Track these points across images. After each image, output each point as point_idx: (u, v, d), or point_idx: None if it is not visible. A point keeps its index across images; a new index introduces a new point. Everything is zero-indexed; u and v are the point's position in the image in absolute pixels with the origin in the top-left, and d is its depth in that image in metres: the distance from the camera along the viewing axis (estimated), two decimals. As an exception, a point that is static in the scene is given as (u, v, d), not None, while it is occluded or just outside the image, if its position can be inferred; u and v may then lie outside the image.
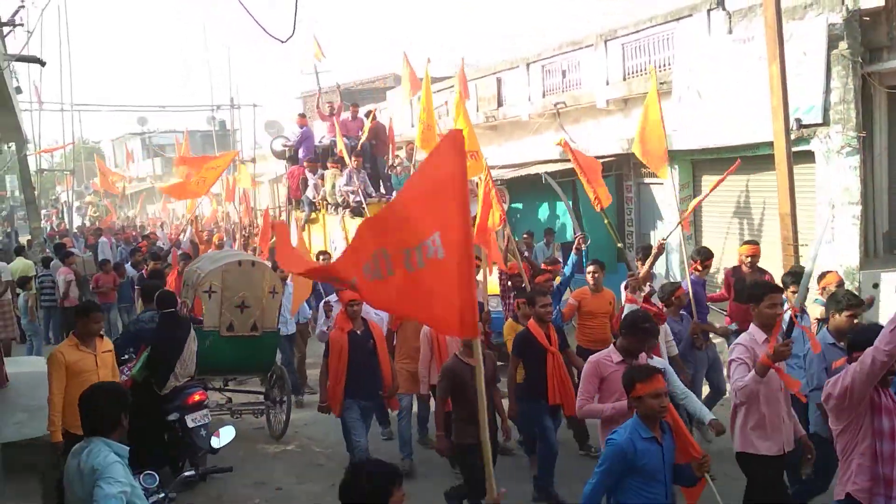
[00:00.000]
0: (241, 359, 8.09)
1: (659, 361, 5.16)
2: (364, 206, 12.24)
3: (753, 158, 10.49)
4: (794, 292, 6.00)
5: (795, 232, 8.61)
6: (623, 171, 13.31)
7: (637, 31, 12.68)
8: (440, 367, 6.43)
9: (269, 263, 9.08)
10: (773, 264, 8.62)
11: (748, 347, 4.58)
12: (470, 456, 5.53)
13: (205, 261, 8.91)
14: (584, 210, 12.94)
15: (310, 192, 14.20)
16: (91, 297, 15.71)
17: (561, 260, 12.10)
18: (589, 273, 7.75)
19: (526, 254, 9.01)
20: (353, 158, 12.73)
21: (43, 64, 12.64)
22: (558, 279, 8.34)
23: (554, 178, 13.55)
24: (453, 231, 3.08)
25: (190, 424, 6.62)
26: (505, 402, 6.28)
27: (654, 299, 7.10)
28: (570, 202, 13.36)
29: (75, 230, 27.95)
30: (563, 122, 14.37)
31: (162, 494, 3.97)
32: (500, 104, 16.32)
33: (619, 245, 8.20)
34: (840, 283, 6.48)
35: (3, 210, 43.51)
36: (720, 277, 10.93)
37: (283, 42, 5.63)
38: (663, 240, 8.37)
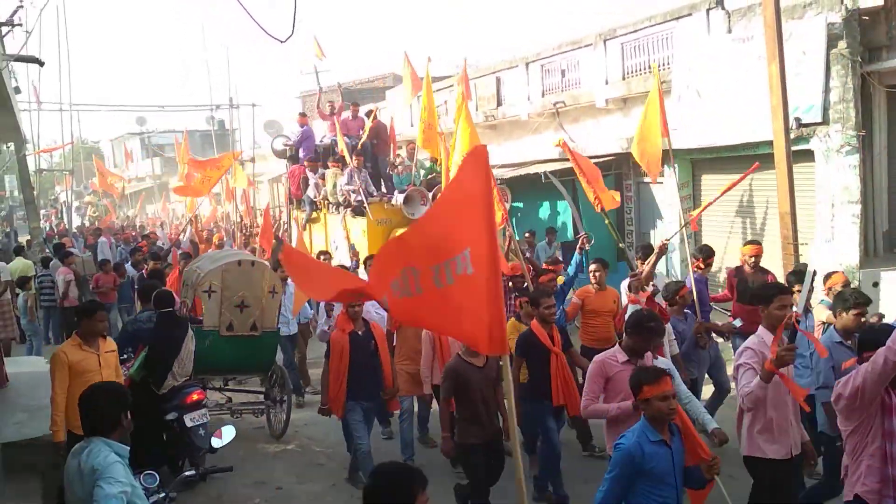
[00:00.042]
0: (241, 358, 8.08)
1: (663, 362, 5.14)
2: (365, 205, 12.22)
3: (753, 158, 10.50)
4: (798, 291, 6.00)
5: (795, 231, 8.62)
6: (623, 170, 13.32)
7: (636, 31, 12.69)
8: (442, 368, 6.42)
9: (267, 263, 9.09)
10: (774, 263, 8.63)
11: (756, 351, 4.52)
12: (473, 456, 5.52)
13: (204, 260, 8.90)
14: (584, 209, 12.94)
15: (311, 192, 14.17)
16: (91, 297, 15.75)
17: (561, 259, 12.12)
18: (592, 271, 7.75)
19: (528, 254, 8.99)
20: (353, 157, 12.71)
21: (41, 64, 12.63)
22: (561, 279, 8.32)
23: (553, 177, 13.55)
24: (481, 246, 3.07)
25: (188, 424, 6.63)
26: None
27: (658, 299, 7.08)
28: (568, 201, 13.35)
29: (74, 230, 27.93)
30: (562, 122, 14.38)
31: (162, 494, 3.97)
32: (499, 103, 16.33)
33: (621, 244, 8.19)
34: (846, 284, 6.46)
35: (2, 210, 43.49)
36: (721, 276, 10.95)
37: (282, 42, 5.63)
38: (666, 240, 8.36)
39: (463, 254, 3.09)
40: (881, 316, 6.78)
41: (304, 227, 14.58)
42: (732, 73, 10.31)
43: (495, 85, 16.35)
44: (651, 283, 7.49)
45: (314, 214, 14.39)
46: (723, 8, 10.90)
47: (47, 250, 17.23)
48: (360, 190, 12.33)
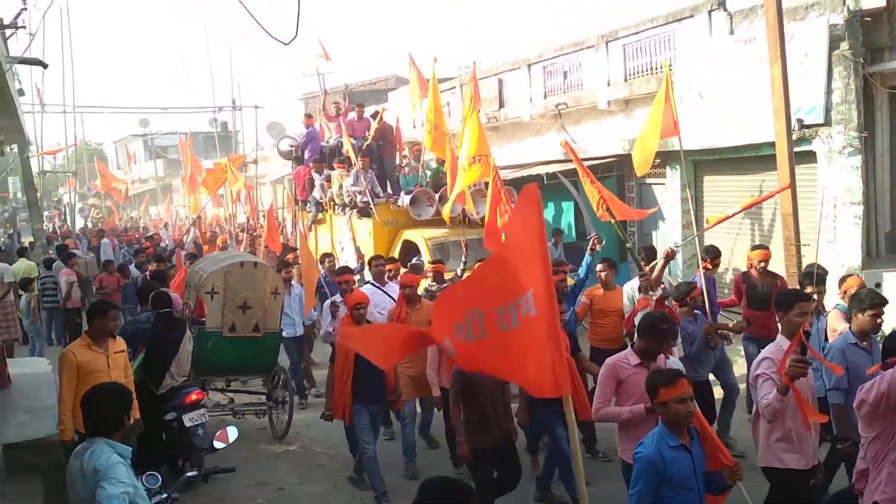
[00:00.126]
0: (244, 360, 8.09)
1: (674, 361, 5.10)
2: (371, 206, 12.19)
3: (755, 159, 10.49)
4: (812, 292, 5.93)
5: (797, 232, 8.60)
6: (624, 171, 13.32)
7: (638, 32, 12.69)
8: (449, 371, 6.37)
9: (267, 264, 9.10)
10: (776, 264, 8.61)
11: (774, 360, 4.45)
12: (482, 461, 5.45)
13: (207, 262, 8.92)
14: (590, 211, 12.92)
15: (316, 193, 14.15)
16: (94, 298, 15.76)
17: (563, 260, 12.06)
18: (599, 271, 7.74)
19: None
20: (359, 158, 12.68)
21: (45, 66, 12.66)
22: (571, 280, 8.25)
23: (554, 178, 13.54)
24: (541, 287, 3.06)
25: (187, 424, 6.65)
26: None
27: (666, 303, 7.03)
28: (578, 201, 13.31)
29: (77, 231, 27.98)
30: (564, 123, 14.38)
31: (164, 495, 3.98)
32: (501, 105, 16.34)
33: (628, 245, 8.16)
34: (861, 286, 6.31)
35: (5, 212, 43.59)
36: (727, 277, 10.94)
37: (285, 44, 5.62)
38: (675, 247, 8.35)
39: (526, 295, 3.07)
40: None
41: (309, 229, 14.55)
42: (734, 75, 10.31)
43: (497, 86, 16.36)
44: (661, 286, 7.44)
45: (319, 216, 14.37)
46: (725, 9, 10.90)
47: (50, 252, 17.26)
48: (367, 191, 12.29)
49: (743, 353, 8.00)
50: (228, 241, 17.57)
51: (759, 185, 10.79)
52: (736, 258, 10.88)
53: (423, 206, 12.11)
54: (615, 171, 13.28)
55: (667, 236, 12.61)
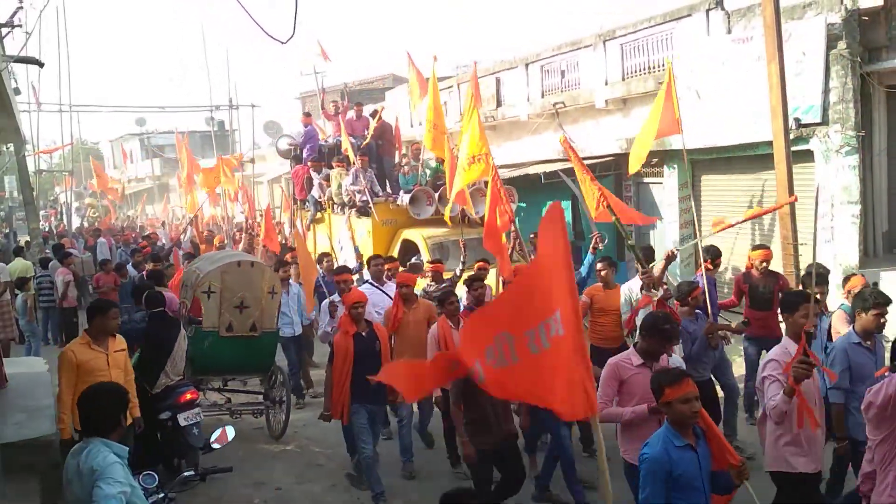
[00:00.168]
0: (241, 359, 8.08)
1: (677, 360, 5.08)
2: (371, 205, 12.16)
3: (753, 158, 10.50)
4: (816, 293, 5.91)
5: (795, 231, 8.61)
6: (622, 170, 13.32)
7: (636, 31, 12.70)
8: None
9: (264, 263, 9.08)
10: (774, 264, 8.62)
11: (781, 362, 4.43)
12: (482, 462, 5.41)
13: (204, 261, 8.90)
14: (584, 210, 12.93)
15: (315, 192, 14.12)
16: (91, 298, 15.72)
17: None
18: (598, 270, 7.74)
19: (532, 256, 8.89)
20: (358, 157, 12.65)
21: (41, 65, 12.63)
22: None
23: (552, 177, 13.54)
24: (568, 305, 3.01)
25: (182, 423, 6.64)
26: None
27: (668, 303, 7.01)
28: (580, 199, 13.28)
29: (74, 231, 27.94)
30: (562, 122, 14.38)
31: (161, 494, 3.97)
32: (499, 104, 16.34)
33: (630, 242, 8.15)
34: (865, 286, 6.29)
35: (1, 211, 43.49)
36: (726, 275, 10.94)
37: (283, 43, 5.60)
38: (676, 250, 8.34)
39: (555, 315, 3.02)
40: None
41: (307, 228, 14.51)
42: (732, 74, 10.32)
43: (495, 86, 16.36)
44: (663, 286, 7.42)
45: (318, 215, 14.34)
46: (722, 8, 10.91)
47: (47, 251, 17.24)
48: (366, 190, 12.26)
49: (742, 353, 7.99)
50: (225, 241, 17.55)
51: (757, 184, 10.81)
52: (735, 258, 10.89)
53: (423, 205, 12.09)
54: (613, 171, 13.29)
55: (664, 235, 12.62)
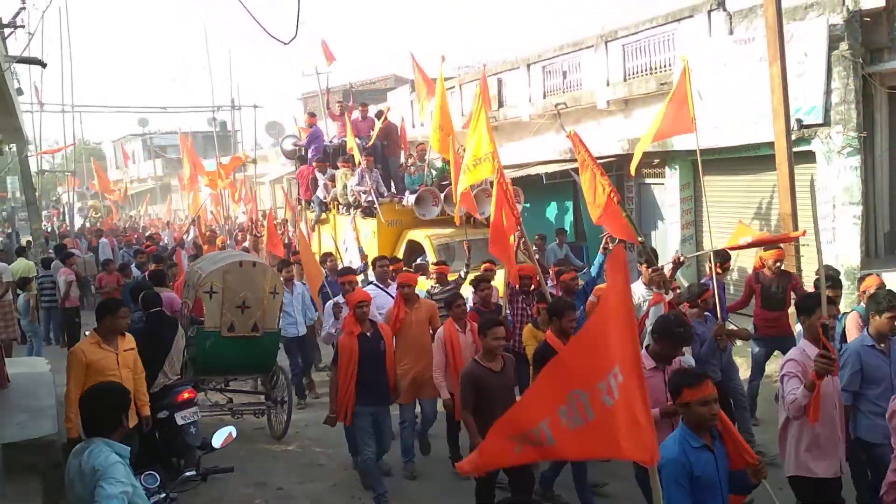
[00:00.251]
0: (242, 359, 8.08)
1: (688, 360, 5.05)
2: (376, 205, 12.12)
3: (754, 159, 10.50)
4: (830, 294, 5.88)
5: (796, 231, 8.61)
6: (623, 171, 13.33)
7: (637, 32, 12.69)
8: (454, 373, 6.32)
9: (266, 263, 9.08)
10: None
11: (799, 362, 4.43)
12: None
13: (206, 261, 8.91)
14: (585, 211, 12.92)
15: (320, 193, 14.11)
16: (93, 298, 15.73)
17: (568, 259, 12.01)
18: (606, 269, 7.68)
19: (537, 256, 8.85)
20: (363, 158, 12.62)
21: (44, 65, 12.64)
22: (580, 281, 8.19)
23: (553, 178, 13.54)
24: (628, 350, 2.94)
25: (179, 422, 6.66)
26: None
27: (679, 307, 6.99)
28: (579, 199, 13.26)
29: (76, 231, 27.97)
30: (563, 123, 14.38)
31: (163, 495, 3.97)
32: (500, 105, 16.33)
33: (640, 239, 8.10)
34: (880, 286, 6.28)
35: (3, 211, 43.57)
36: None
37: (285, 44, 5.61)
38: (684, 257, 8.31)
39: (619, 363, 2.94)
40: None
41: (313, 229, 14.48)
42: (734, 75, 10.32)
43: (496, 86, 16.35)
44: (676, 290, 7.39)
45: (323, 216, 14.32)
46: (724, 9, 10.90)
47: (50, 251, 17.26)
48: (371, 190, 12.22)
49: (749, 354, 7.96)
50: (228, 241, 17.57)
51: (759, 185, 10.80)
52: (740, 259, 10.86)
53: (429, 205, 12.04)
54: (614, 171, 13.28)
55: (666, 236, 12.62)
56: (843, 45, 9.11)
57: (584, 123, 14.15)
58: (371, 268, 8.91)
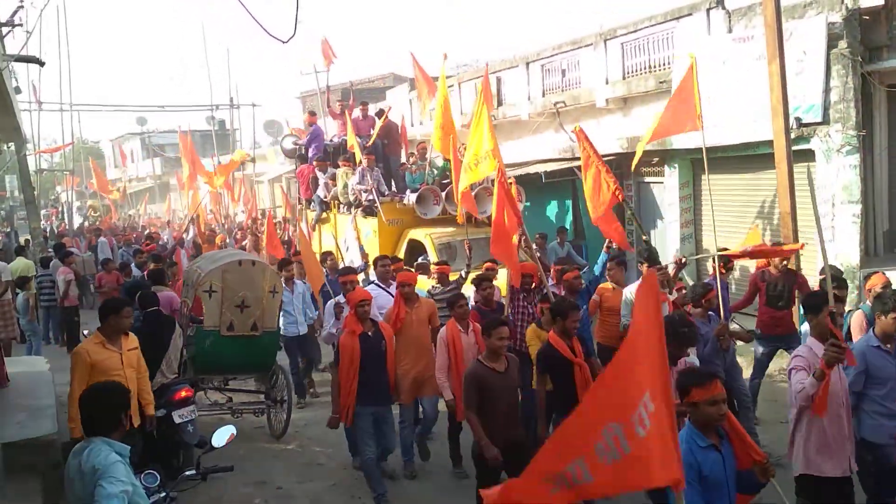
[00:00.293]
0: (242, 358, 8.08)
1: (694, 360, 5.03)
2: (377, 204, 12.08)
3: (753, 157, 10.50)
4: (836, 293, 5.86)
5: (795, 230, 8.61)
6: (622, 169, 13.32)
7: (636, 30, 12.69)
8: (456, 374, 6.31)
9: (267, 262, 9.06)
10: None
11: (806, 358, 4.44)
12: (484, 466, 5.31)
13: (205, 260, 8.90)
14: (584, 209, 12.92)
15: (320, 192, 14.08)
16: (92, 297, 15.73)
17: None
18: (609, 269, 7.71)
19: (538, 254, 8.81)
20: (364, 156, 12.58)
21: (42, 64, 12.64)
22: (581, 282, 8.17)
23: (552, 177, 13.54)
24: (658, 371, 2.88)
25: (176, 420, 6.65)
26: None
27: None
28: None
29: (75, 229, 27.96)
30: (562, 122, 14.38)
31: (163, 494, 3.97)
32: (499, 103, 16.33)
33: (645, 238, 8.08)
34: (886, 285, 6.26)
35: (2, 210, 43.52)
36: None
37: (284, 42, 5.61)
38: (685, 258, 8.31)
39: (650, 390, 2.87)
40: None
41: (313, 228, 14.45)
42: (733, 73, 10.31)
43: (496, 85, 16.35)
44: (682, 290, 7.39)
45: (323, 215, 14.30)
46: (723, 8, 10.90)
47: (49, 250, 17.25)
48: (373, 189, 12.19)
49: (754, 353, 7.96)
50: (227, 240, 17.56)
51: (758, 183, 10.79)
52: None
53: (430, 204, 12.00)
54: (614, 169, 13.22)
55: (665, 235, 12.63)
56: (843, 44, 9.11)
57: (583, 122, 14.10)
58: (372, 267, 8.86)
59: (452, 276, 8.55)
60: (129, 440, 3.74)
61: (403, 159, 14.19)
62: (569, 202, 14.89)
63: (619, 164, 13.22)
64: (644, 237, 7.86)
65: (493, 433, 5.27)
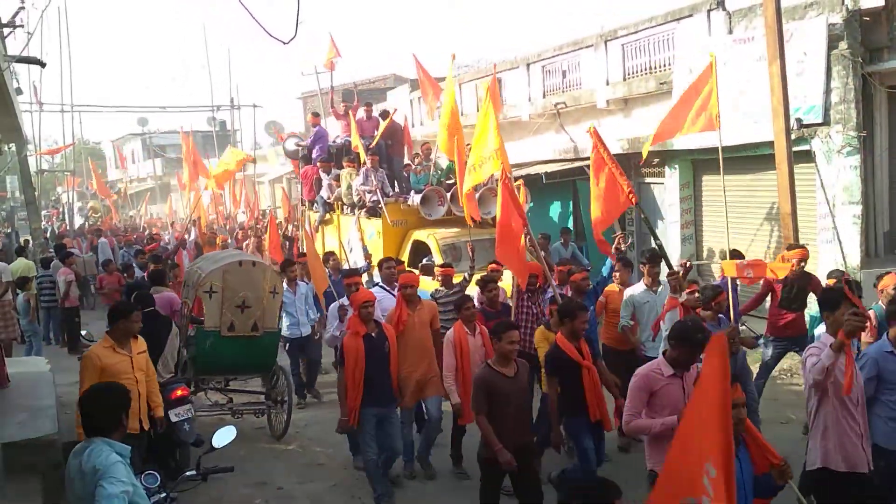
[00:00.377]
0: (242, 359, 8.08)
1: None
2: (381, 205, 12.02)
3: (754, 158, 10.50)
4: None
5: (796, 231, 8.62)
6: (623, 170, 13.32)
7: (637, 32, 12.69)
8: (462, 377, 6.32)
9: (268, 263, 9.06)
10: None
11: (821, 349, 4.44)
12: (494, 471, 5.27)
13: (206, 261, 8.91)
14: (585, 210, 12.91)
15: (324, 193, 14.06)
16: (93, 298, 15.76)
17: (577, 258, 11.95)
18: (615, 270, 7.71)
19: (542, 254, 8.79)
20: (368, 157, 12.55)
21: (43, 65, 12.66)
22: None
23: (554, 178, 13.54)
24: (720, 437, 2.88)
25: (173, 419, 6.63)
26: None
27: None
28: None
29: (76, 229, 27.99)
30: (563, 123, 14.39)
31: (163, 494, 3.98)
32: (500, 104, 16.32)
33: (658, 242, 8.05)
34: None
35: (3, 210, 43.57)
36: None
37: (285, 43, 5.60)
38: (690, 263, 8.34)
39: (711, 456, 2.89)
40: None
41: (316, 229, 14.42)
42: (733, 74, 10.31)
43: (496, 86, 16.33)
44: (694, 291, 7.38)
45: (327, 216, 14.27)
46: (724, 9, 10.90)
47: (50, 250, 17.27)
48: (377, 190, 12.15)
49: (762, 355, 7.95)
50: (229, 241, 17.56)
51: (759, 184, 10.79)
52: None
53: (434, 205, 11.94)
54: (614, 171, 13.26)
55: (666, 236, 12.62)
56: (843, 45, 9.12)
57: (583, 123, 14.13)
58: (377, 269, 8.80)
59: (457, 278, 8.51)
60: (138, 442, 3.74)
61: (407, 160, 14.16)
62: (569, 203, 14.89)
63: (619, 166, 13.21)
64: (657, 241, 7.81)
65: (503, 438, 5.19)
